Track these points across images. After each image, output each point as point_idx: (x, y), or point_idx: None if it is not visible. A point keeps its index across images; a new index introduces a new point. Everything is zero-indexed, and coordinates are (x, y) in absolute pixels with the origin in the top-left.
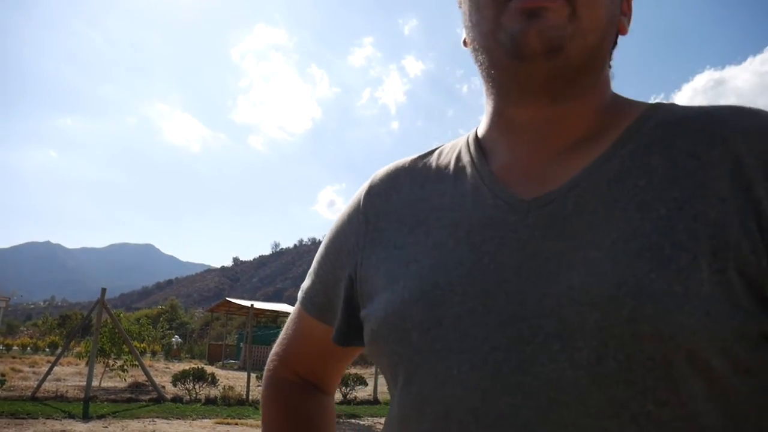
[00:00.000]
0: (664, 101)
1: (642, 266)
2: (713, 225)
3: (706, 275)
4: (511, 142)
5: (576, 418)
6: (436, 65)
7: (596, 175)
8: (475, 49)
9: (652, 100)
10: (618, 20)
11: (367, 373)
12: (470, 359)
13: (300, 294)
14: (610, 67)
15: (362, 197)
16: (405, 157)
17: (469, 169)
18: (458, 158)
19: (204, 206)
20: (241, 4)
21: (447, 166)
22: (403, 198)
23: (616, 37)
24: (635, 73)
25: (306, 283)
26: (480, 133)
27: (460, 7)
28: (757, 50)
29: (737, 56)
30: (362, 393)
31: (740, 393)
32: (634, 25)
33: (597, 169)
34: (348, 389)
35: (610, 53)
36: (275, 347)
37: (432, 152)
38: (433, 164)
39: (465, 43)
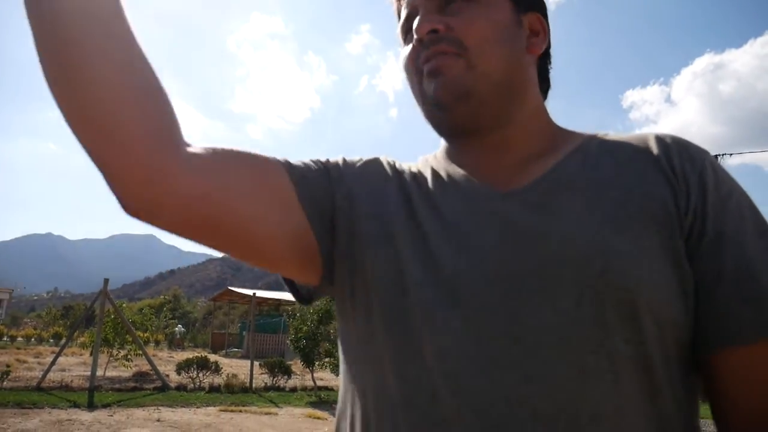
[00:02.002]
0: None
1: (607, 231)
2: (658, 202)
3: (656, 240)
4: (474, 156)
5: (560, 354)
6: None
7: (557, 173)
8: (417, 104)
9: (652, 86)
10: (523, 49)
11: None
12: (463, 314)
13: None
14: (549, 86)
15: (366, 161)
16: (403, 143)
17: (443, 171)
18: (433, 166)
19: None
20: None
21: (426, 172)
22: (398, 185)
23: (540, 56)
24: (635, 59)
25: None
26: (447, 149)
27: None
28: (758, 32)
29: (737, 39)
30: None
31: (672, 340)
32: (634, 10)
33: (557, 169)
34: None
35: (544, 72)
36: None
37: (411, 164)
38: (416, 170)
39: None
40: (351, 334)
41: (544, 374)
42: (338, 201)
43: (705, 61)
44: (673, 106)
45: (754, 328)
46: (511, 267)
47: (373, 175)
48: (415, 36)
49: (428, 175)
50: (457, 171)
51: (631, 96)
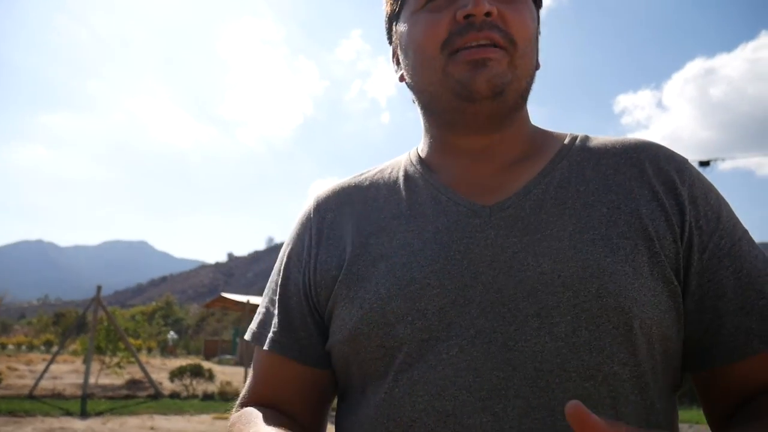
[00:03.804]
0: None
1: (598, 252)
2: (645, 219)
3: (646, 258)
4: (456, 162)
5: (560, 382)
6: None
7: (544, 183)
8: (420, 91)
9: (643, 91)
10: (537, 59)
11: None
12: (458, 344)
13: (259, 331)
14: None
15: (311, 213)
16: (395, 147)
17: (420, 183)
18: (406, 175)
19: (196, 202)
20: None
21: (396, 182)
22: (358, 210)
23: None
24: (626, 63)
25: (264, 319)
26: (422, 154)
27: (395, 56)
28: (749, 36)
29: (729, 44)
30: None
31: (660, 353)
32: (626, 15)
33: (543, 178)
34: None
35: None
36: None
37: (371, 171)
38: (380, 180)
39: (401, 78)
40: (342, 392)
41: (546, 405)
42: (312, 297)
43: (696, 65)
44: (665, 110)
45: (760, 341)
46: (506, 291)
47: (341, 219)
48: (465, 10)
49: (402, 189)
50: (436, 182)
51: (623, 101)
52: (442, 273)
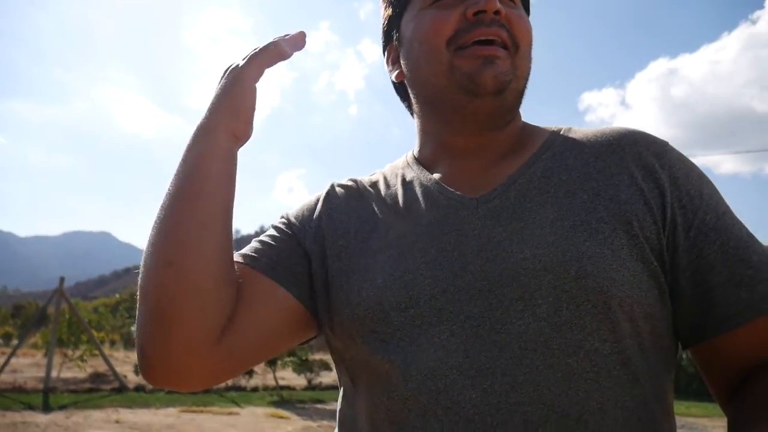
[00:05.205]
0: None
1: (578, 237)
2: (625, 204)
3: (625, 241)
4: (450, 160)
5: (544, 359)
6: None
7: (528, 174)
8: (421, 85)
9: (607, 89)
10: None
11: (330, 358)
12: (449, 328)
13: (245, 251)
14: None
15: (322, 197)
16: (362, 140)
17: (416, 180)
18: (403, 174)
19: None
20: None
21: (395, 180)
22: (363, 204)
23: None
24: (591, 62)
25: (254, 245)
26: (418, 155)
27: (394, 42)
28: (711, 38)
29: (692, 45)
30: (327, 378)
31: (647, 332)
32: (592, 13)
33: (527, 169)
34: (313, 374)
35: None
36: None
37: (376, 173)
38: (382, 180)
39: (397, 77)
40: (341, 370)
41: (531, 380)
42: (309, 248)
43: (660, 65)
44: (628, 109)
45: (751, 309)
46: (491, 278)
47: (338, 204)
48: (476, 7)
49: (399, 187)
50: (429, 178)
51: (588, 98)
52: (433, 264)
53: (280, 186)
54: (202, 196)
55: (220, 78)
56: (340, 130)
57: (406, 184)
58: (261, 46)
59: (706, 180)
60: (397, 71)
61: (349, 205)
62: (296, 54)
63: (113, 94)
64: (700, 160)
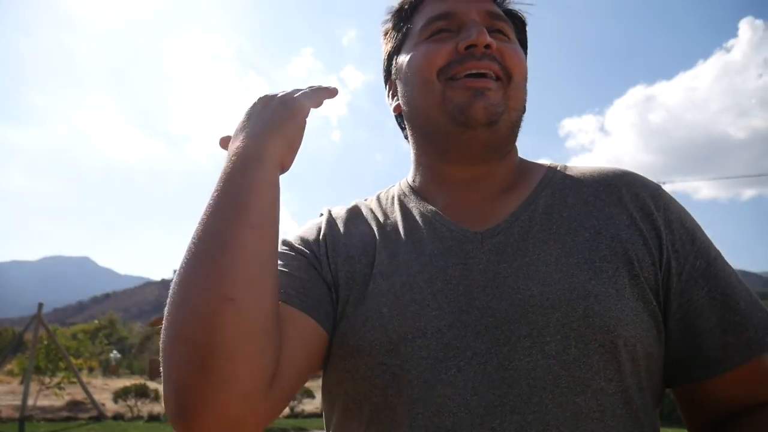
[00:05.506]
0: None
1: (583, 275)
2: (625, 243)
3: (627, 280)
4: (447, 191)
5: (553, 397)
6: (376, 75)
7: (530, 210)
8: (416, 116)
9: (587, 115)
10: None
11: (314, 385)
12: (456, 364)
13: None
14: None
15: (324, 224)
16: (345, 166)
17: (415, 210)
18: (401, 202)
19: (142, 217)
20: (175, 11)
21: (392, 208)
22: (363, 230)
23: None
24: (571, 89)
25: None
26: (413, 184)
27: (392, 77)
28: (688, 66)
29: (668, 72)
30: (309, 406)
31: (644, 370)
32: (571, 40)
33: (528, 206)
34: (295, 402)
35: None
36: None
37: (369, 200)
38: (378, 207)
39: (395, 109)
40: (333, 400)
41: (540, 419)
42: (324, 275)
43: (637, 92)
44: (607, 135)
45: (737, 355)
46: (499, 314)
47: (339, 230)
48: (467, 41)
49: (398, 215)
50: (429, 209)
51: (568, 124)
52: (440, 296)
53: None
54: (259, 227)
55: (257, 107)
56: (322, 155)
57: (405, 213)
58: (314, 86)
59: (697, 224)
60: (395, 103)
61: (348, 230)
62: (279, 79)
63: (94, 119)
64: (679, 186)
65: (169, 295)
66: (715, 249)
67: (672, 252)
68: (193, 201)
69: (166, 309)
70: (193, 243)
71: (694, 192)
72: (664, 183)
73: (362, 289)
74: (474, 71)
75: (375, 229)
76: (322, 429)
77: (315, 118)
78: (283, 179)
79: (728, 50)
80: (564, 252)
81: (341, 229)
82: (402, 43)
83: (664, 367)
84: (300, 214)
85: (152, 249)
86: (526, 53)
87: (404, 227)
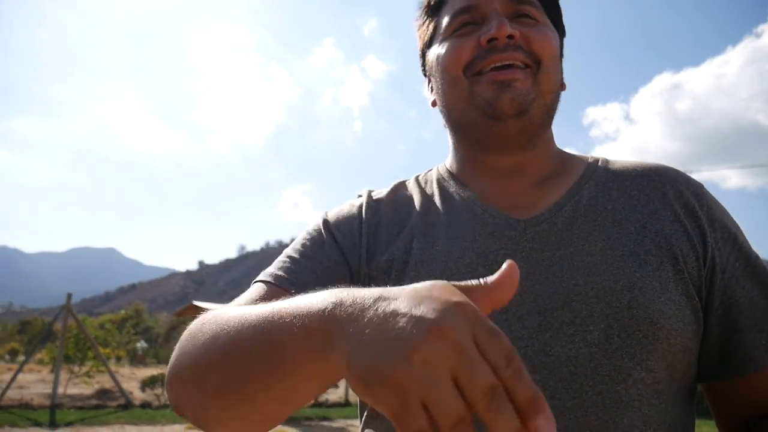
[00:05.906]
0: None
1: (628, 267)
2: (670, 238)
3: (671, 275)
4: (486, 178)
5: (593, 384)
6: (397, 65)
7: (574, 201)
8: (449, 111)
9: (612, 104)
10: (561, 78)
11: None
12: None
13: (273, 273)
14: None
15: (363, 206)
16: (367, 156)
17: (455, 195)
18: (440, 186)
19: (167, 208)
20: (196, 2)
21: (432, 193)
22: (400, 215)
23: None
24: (596, 77)
25: (285, 264)
26: (452, 170)
27: (427, 73)
28: (716, 52)
29: (696, 58)
30: (333, 395)
31: (680, 363)
32: (596, 29)
33: (572, 196)
34: None
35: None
36: None
37: (406, 182)
38: (416, 191)
39: (432, 103)
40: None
41: (579, 405)
42: (353, 263)
43: (663, 80)
44: (632, 123)
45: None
46: (542, 301)
47: (380, 216)
48: (488, 35)
49: (438, 199)
50: (469, 194)
51: (592, 113)
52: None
53: (285, 201)
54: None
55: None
56: (344, 145)
57: (445, 197)
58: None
59: (738, 226)
60: (433, 98)
61: (388, 217)
62: (300, 69)
63: (118, 110)
64: (706, 175)
65: (185, 338)
66: (754, 251)
67: (716, 249)
68: (217, 192)
69: (179, 346)
70: (225, 334)
71: (722, 181)
72: (691, 171)
73: (401, 275)
74: (499, 64)
75: (414, 212)
76: (346, 418)
77: (336, 108)
78: (304, 169)
79: (758, 36)
80: (609, 244)
81: (382, 215)
82: (432, 38)
83: (698, 362)
84: (322, 203)
85: (177, 240)
86: (561, 29)
87: (445, 213)
